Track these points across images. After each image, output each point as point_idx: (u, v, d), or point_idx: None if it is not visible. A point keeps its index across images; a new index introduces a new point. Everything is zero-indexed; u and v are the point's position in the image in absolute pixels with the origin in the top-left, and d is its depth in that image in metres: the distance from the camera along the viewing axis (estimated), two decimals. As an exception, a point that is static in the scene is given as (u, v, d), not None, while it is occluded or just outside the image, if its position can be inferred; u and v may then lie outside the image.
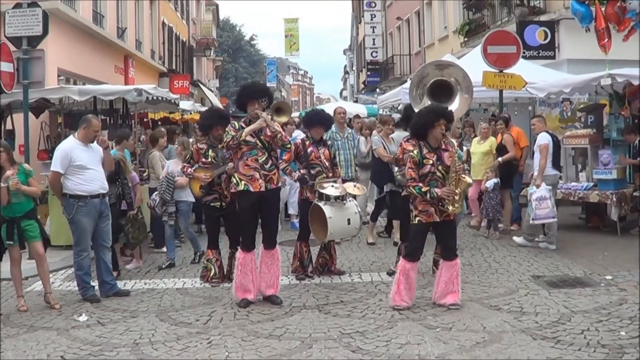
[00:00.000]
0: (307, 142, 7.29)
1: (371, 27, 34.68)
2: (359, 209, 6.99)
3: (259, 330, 5.43)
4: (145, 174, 9.60)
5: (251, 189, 6.07)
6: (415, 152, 5.88)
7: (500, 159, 9.49)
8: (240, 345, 5.08)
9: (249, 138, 6.07)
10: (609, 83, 9.32)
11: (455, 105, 6.91)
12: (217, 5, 46.02)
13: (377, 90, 32.95)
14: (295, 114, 15.83)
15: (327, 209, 6.69)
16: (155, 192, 8.10)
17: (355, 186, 7.35)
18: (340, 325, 5.48)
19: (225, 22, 58.97)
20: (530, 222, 8.47)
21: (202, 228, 10.37)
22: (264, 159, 6.13)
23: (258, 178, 6.08)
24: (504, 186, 9.61)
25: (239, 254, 6.23)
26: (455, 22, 21.90)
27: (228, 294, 6.44)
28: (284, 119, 6.76)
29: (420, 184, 5.79)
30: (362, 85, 40.01)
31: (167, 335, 5.38)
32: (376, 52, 34.38)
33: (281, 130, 6.32)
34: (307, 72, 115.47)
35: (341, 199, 6.83)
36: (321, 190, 6.85)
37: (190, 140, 11.55)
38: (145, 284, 7.18)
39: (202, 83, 34.30)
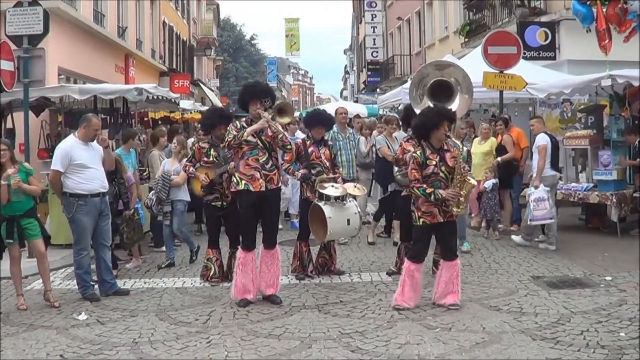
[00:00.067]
0: (308, 142, 7.30)
1: (372, 27, 34.69)
2: (359, 210, 6.99)
3: (258, 330, 5.43)
4: (145, 174, 9.60)
5: (251, 188, 6.07)
6: (418, 152, 5.88)
7: (499, 158, 9.49)
8: (239, 344, 5.08)
9: (250, 138, 6.07)
10: (609, 84, 9.32)
11: (455, 106, 6.92)
12: (217, 5, 46.04)
13: (378, 90, 32.96)
14: (295, 114, 15.82)
15: (326, 209, 6.69)
16: (152, 191, 8.09)
17: (355, 186, 7.35)
18: (339, 325, 5.48)
19: (226, 22, 59.00)
20: (528, 222, 8.51)
21: (202, 227, 10.38)
22: (264, 159, 6.13)
23: (258, 178, 6.08)
24: (504, 187, 9.62)
25: (239, 253, 6.23)
26: (456, 22, 21.90)
27: (228, 294, 6.43)
28: (286, 119, 6.75)
29: (424, 185, 5.79)
30: (362, 85, 40.01)
31: (166, 334, 5.38)
32: (377, 52, 34.38)
33: (282, 130, 6.33)
34: (307, 72, 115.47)
35: (341, 199, 6.83)
36: (321, 190, 6.85)
37: (192, 139, 11.57)
38: (145, 283, 7.18)
39: (202, 82, 34.31)
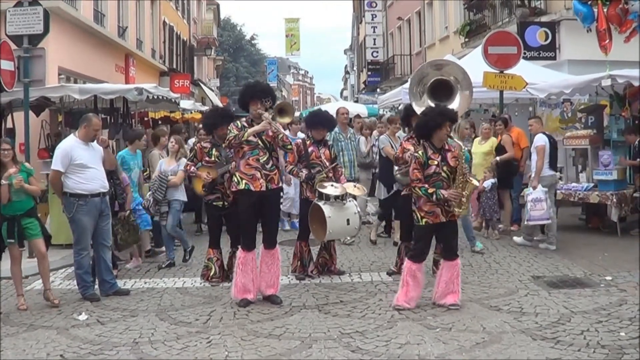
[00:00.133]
0: (308, 142, 7.30)
1: (372, 27, 34.69)
2: (359, 209, 6.99)
3: (258, 330, 5.43)
4: (145, 173, 9.59)
5: (252, 188, 6.08)
6: (420, 152, 5.89)
7: (497, 158, 9.50)
8: (239, 344, 5.08)
9: (250, 138, 6.08)
10: (610, 84, 9.32)
11: (456, 105, 6.92)
12: (218, 5, 46.03)
13: (378, 90, 32.97)
14: (296, 114, 15.82)
15: (326, 209, 6.68)
16: (149, 192, 8.05)
17: (355, 186, 7.35)
18: (340, 325, 5.48)
19: (226, 22, 59.01)
20: (525, 223, 8.53)
21: (201, 227, 10.37)
22: (265, 158, 6.13)
23: (259, 177, 6.08)
24: (504, 187, 9.62)
25: (239, 253, 6.23)
26: (456, 22, 21.90)
27: (228, 294, 6.43)
28: (287, 119, 6.76)
29: (426, 185, 5.80)
30: (362, 85, 40.00)
31: (166, 334, 5.38)
32: (377, 52, 34.38)
33: (283, 130, 6.33)
34: (307, 72, 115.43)
35: (341, 198, 6.83)
36: (321, 190, 6.85)
37: (192, 139, 11.58)
38: (145, 283, 7.18)
39: (202, 82, 34.30)
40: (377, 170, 10.84)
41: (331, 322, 5.58)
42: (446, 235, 6.01)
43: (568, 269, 7.33)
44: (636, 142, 9.43)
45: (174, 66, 28.01)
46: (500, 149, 9.62)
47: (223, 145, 6.70)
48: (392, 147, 8.43)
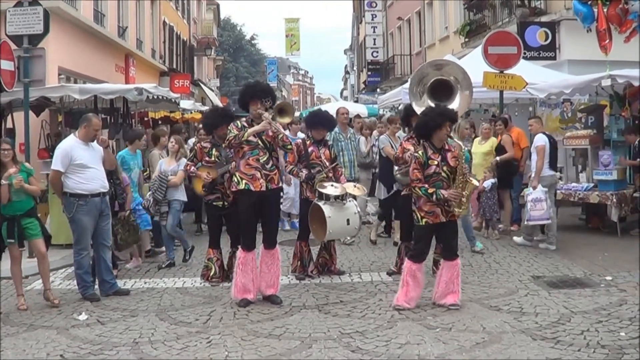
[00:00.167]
0: (308, 142, 7.30)
1: (372, 27, 34.69)
2: (359, 209, 6.99)
3: (258, 330, 5.43)
4: (145, 173, 9.59)
5: (252, 188, 6.08)
6: (420, 152, 5.89)
7: (497, 158, 9.50)
8: (239, 344, 5.08)
9: (251, 138, 6.08)
10: (610, 84, 9.32)
11: (456, 105, 6.92)
12: (218, 5, 46.03)
13: (378, 90, 32.97)
14: (296, 114, 15.82)
15: (326, 209, 6.68)
16: (149, 192, 8.04)
17: (355, 186, 7.35)
18: (340, 325, 5.48)
19: (226, 22, 59.00)
20: (525, 223, 8.54)
21: (201, 227, 10.37)
22: (265, 159, 6.13)
23: (259, 177, 6.08)
24: (504, 187, 9.62)
25: (239, 253, 6.23)
26: (456, 22, 21.90)
27: (228, 294, 6.43)
28: (286, 119, 6.76)
29: (426, 185, 5.80)
30: (362, 85, 40.00)
31: (166, 334, 5.38)
32: (377, 52, 34.38)
33: (283, 130, 6.33)
34: (307, 72, 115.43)
35: (341, 198, 6.83)
36: (321, 190, 6.85)
37: (192, 139, 11.57)
38: (145, 283, 7.18)
39: (202, 82, 34.29)
40: (377, 170, 10.85)
41: (331, 322, 5.58)
42: (446, 235, 6.00)
43: (568, 269, 7.33)
44: (636, 142, 9.43)
45: (174, 66, 28.01)
46: (500, 149, 9.62)
47: (223, 145, 6.70)
48: (392, 147, 8.43)
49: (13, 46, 9.33)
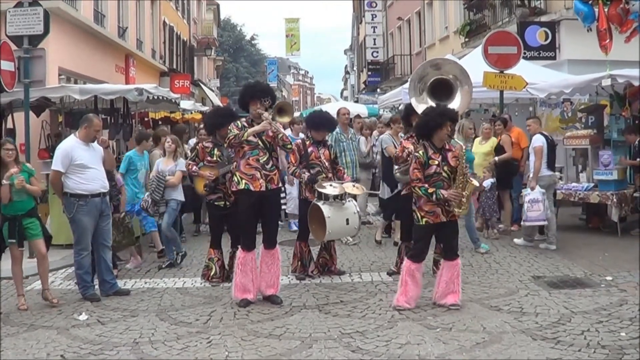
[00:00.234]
0: (308, 142, 7.30)
1: (372, 27, 34.68)
2: (358, 209, 6.98)
3: (259, 330, 5.43)
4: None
5: (251, 188, 6.08)
6: (421, 152, 5.89)
7: (496, 158, 9.50)
8: (240, 344, 5.08)
9: (251, 138, 6.08)
10: (610, 84, 9.32)
11: (457, 104, 6.90)
12: (218, 5, 46.04)
13: (378, 90, 32.96)
14: (295, 114, 15.82)
15: (325, 209, 6.68)
16: (147, 193, 8.00)
17: (354, 186, 7.34)
18: (340, 325, 5.48)
19: (226, 22, 59.01)
20: (522, 223, 8.58)
21: (199, 228, 10.36)
22: (265, 159, 6.13)
23: (259, 178, 6.08)
24: (504, 187, 9.62)
25: (239, 253, 6.23)
26: (456, 22, 21.90)
27: (228, 294, 6.44)
28: (286, 119, 6.77)
29: (426, 185, 5.80)
30: (362, 85, 40.00)
31: (167, 334, 5.38)
32: (377, 52, 34.38)
33: (283, 130, 6.33)
34: (307, 72, 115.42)
35: (340, 198, 6.82)
36: (320, 190, 6.85)
37: (193, 140, 11.57)
38: (146, 283, 7.18)
39: (202, 83, 34.31)
40: (376, 170, 10.85)
41: (331, 322, 5.58)
42: (446, 235, 6.00)
43: (568, 269, 7.33)
44: (636, 142, 9.42)
45: (174, 66, 28.02)
46: (499, 149, 9.63)
47: (224, 144, 6.70)
48: (395, 146, 8.43)
49: (13, 47, 9.34)
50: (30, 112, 9.97)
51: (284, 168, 8.08)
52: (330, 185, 6.91)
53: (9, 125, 10.90)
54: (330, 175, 7.19)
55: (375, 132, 10.83)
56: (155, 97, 11.04)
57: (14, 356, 4.96)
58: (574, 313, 5.65)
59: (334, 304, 6.17)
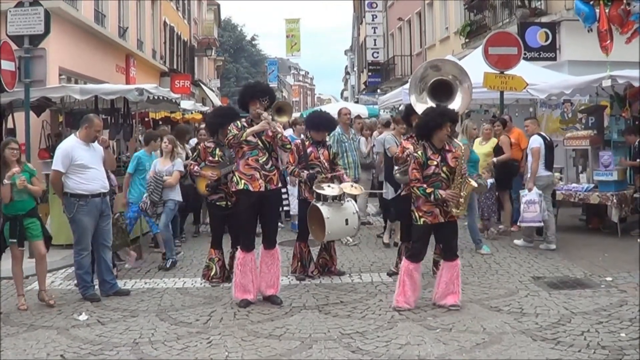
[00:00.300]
0: (307, 143, 7.30)
1: (372, 27, 34.68)
2: (357, 209, 6.98)
3: (259, 330, 5.43)
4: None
5: (251, 188, 6.08)
6: (419, 152, 5.89)
7: (495, 159, 9.50)
8: (240, 345, 5.08)
9: (250, 138, 6.08)
10: (610, 84, 9.32)
11: (457, 104, 6.89)
12: (218, 5, 46.06)
13: (378, 90, 32.95)
14: (296, 114, 15.83)
15: (324, 210, 6.68)
16: (145, 194, 7.98)
17: (352, 186, 7.33)
18: (340, 326, 5.48)
19: (227, 22, 59.01)
20: (518, 224, 8.62)
21: (199, 229, 10.35)
22: (264, 159, 6.13)
23: (258, 178, 6.08)
24: (503, 187, 9.62)
25: (239, 253, 6.23)
26: (457, 23, 21.90)
27: (228, 294, 6.44)
28: (284, 119, 6.77)
29: (425, 185, 5.80)
30: (363, 86, 40.00)
31: (167, 334, 5.38)
32: (377, 52, 34.37)
33: (282, 131, 6.33)
34: (308, 73, 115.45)
35: (338, 199, 6.82)
36: (318, 191, 6.85)
37: (193, 140, 11.57)
38: (146, 283, 7.18)
39: (203, 83, 34.32)
40: (374, 171, 10.85)
41: (331, 323, 5.58)
42: (445, 236, 6.00)
43: (568, 270, 7.33)
44: (636, 143, 9.43)
45: (175, 67, 28.03)
46: (498, 150, 9.63)
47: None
48: (397, 146, 8.42)
49: (14, 46, 9.34)
50: (31, 112, 9.98)
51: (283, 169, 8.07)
52: (329, 186, 6.91)
53: (10, 125, 10.90)
54: (329, 175, 7.18)
55: (375, 133, 10.84)
56: (156, 97, 11.04)
57: (14, 356, 4.96)
58: (574, 314, 5.65)
59: (334, 304, 6.17)
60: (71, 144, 6.44)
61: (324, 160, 7.23)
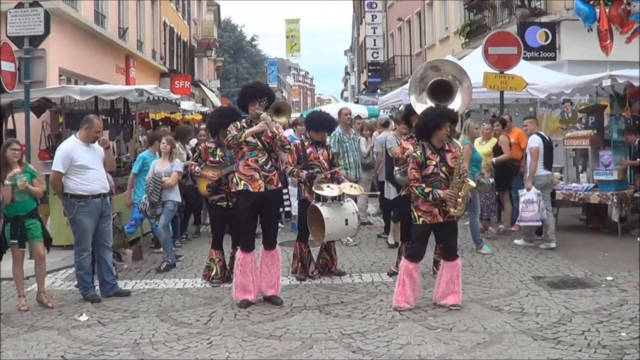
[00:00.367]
0: (307, 143, 7.30)
1: (372, 27, 34.68)
2: (357, 209, 6.98)
3: (259, 331, 5.43)
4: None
5: (250, 189, 6.08)
6: (418, 152, 5.89)
7: (494, 159, 9.50)
8: (240, 345, 5.08)
9: (249, 139, 6.08)
10: (610, 84, 9.33)
11: (457, 103, 6.89)
12: (218, 6, 46.08)
13: (378, 91, 32.95)
14: (296, 115, 15.84)
15: (324, 210, 6.68)
16: (144, 195, 7.96)
17: (351, 186, 7.33)
18: (340, 326, 5.48)
19: (227, 23, 59.00)
20: (517, 223, 8.62)
21: (199, 229, 10.35)
22: (264, 160, 6.13)
23: (258, 179, 6.08)
24: (503, 187, 9.62)
25: (239, 254, 6.23)
26: (456, 23, 21.90)
27: (229, 294, 6.43)
28: (283, 119, 6.77)
29: (423, 185, 5.80)
30: (363, 86, 40.00)
31: (167, 335, 5.38)
32: (377, 52, 34.37)
33: (281, 131, 6.33)
34: (308, 73, 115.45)
35: (338, 199, 6.82)
36: (317, 192, 6.85)
37: (193, 140, 11.56)
38: (146, 284, 7.18)
39: (203, 83, 34.32)
40: (373, 171, 10.84)
41: (332, 323, 5.58)
42: (445, 236, 6.00)
43: (569, 269, 7.33)
44: (636, 142, 9.43)
45: (175, 67, 28.03)
46: (497, 150, 9.63)
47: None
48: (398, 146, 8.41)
49: (14, 47, 9.34)
50: (31, 113, 9.98)
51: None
52: (328, 186, 6.91)
53: (10, 126, 10.91)
54: (328, 175, 7.18)
55: (375, 133, 10.85)
56: (156, 98, 11.05)
57: (15, 357, 4.96)
58: (575, 313, 5.65)
59: (335, 304, 6.17)
60: (71, 145, 6.44)
61: (324, 161, 7.23)
